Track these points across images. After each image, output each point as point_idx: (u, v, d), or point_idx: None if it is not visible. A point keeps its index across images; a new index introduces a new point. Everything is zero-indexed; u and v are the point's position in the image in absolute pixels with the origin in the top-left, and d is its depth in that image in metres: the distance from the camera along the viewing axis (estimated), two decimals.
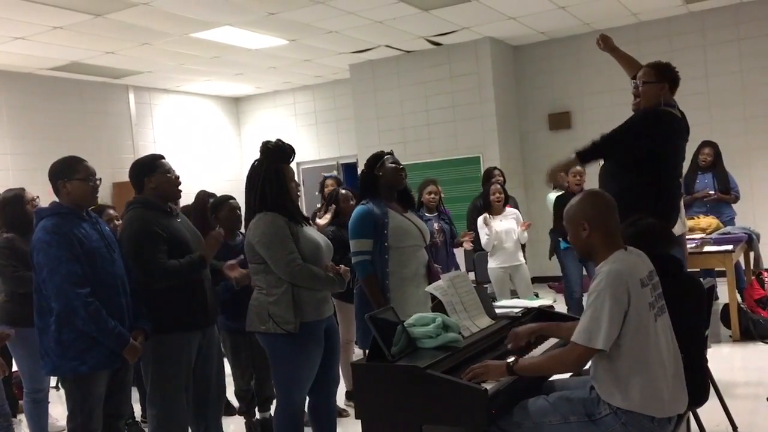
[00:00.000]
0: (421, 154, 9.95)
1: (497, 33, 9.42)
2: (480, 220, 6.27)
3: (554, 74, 10.04)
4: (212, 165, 11.71)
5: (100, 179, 3.41)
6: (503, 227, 6.22)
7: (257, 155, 3.50)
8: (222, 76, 10.63)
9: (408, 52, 10.00)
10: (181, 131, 11.37)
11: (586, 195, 2.70)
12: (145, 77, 10.18)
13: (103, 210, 4.93)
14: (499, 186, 6.41)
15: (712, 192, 7.15)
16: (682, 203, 4.69)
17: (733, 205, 7.34)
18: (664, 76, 3.81)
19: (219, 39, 8.41)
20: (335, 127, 11.77)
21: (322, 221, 4.95)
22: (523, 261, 6.33)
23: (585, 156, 3.72)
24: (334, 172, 10.73)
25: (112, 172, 9.51)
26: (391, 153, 3.94)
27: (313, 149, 11.91)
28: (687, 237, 6.14)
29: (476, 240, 6.43)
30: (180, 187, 3.70)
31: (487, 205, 6.33)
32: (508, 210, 6.36)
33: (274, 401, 4.55)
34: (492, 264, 6.27)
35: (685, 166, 5.91)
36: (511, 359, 2.59)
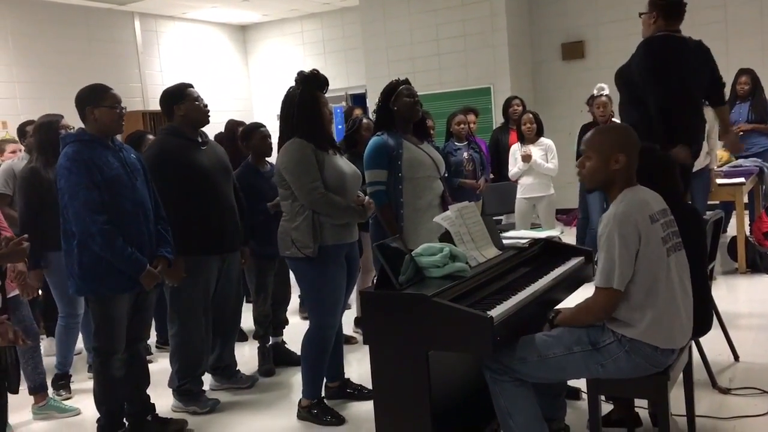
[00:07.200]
0: (431, 85, 9.79)
1: None
2: (515, 152, 6.23)
3: (568, 2, 9.77)
4: (220, 94, 11.56)
5: (125, 107, 3.47)
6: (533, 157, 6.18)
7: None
8: (228, 3, 10.41)
9: None
10: (188, 60, 11.21)
11: (622, 127, 2.64)
12: (151, 3, 9.99)
13: (143, 136, 5.05)
14: (530, 115, 6.29)
15: (743, 125, 6.86)
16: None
17: None
18: (655, 4, 3.74)
19: None
20: (344, 57, 11.57)
21: None
22: (552, 192, 6.27)
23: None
24: (343, 104, 10.65)
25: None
26: (406, 81, 3.89)
27: None
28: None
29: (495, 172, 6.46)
30: (208, 114, 3.87)
31: (520, 136, 6.28)
32: (542, 140, 6.27)
33: (286, 327, 4.73)
34: (519, 194, 6.28)
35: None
36: (551, 314, 2.69)
